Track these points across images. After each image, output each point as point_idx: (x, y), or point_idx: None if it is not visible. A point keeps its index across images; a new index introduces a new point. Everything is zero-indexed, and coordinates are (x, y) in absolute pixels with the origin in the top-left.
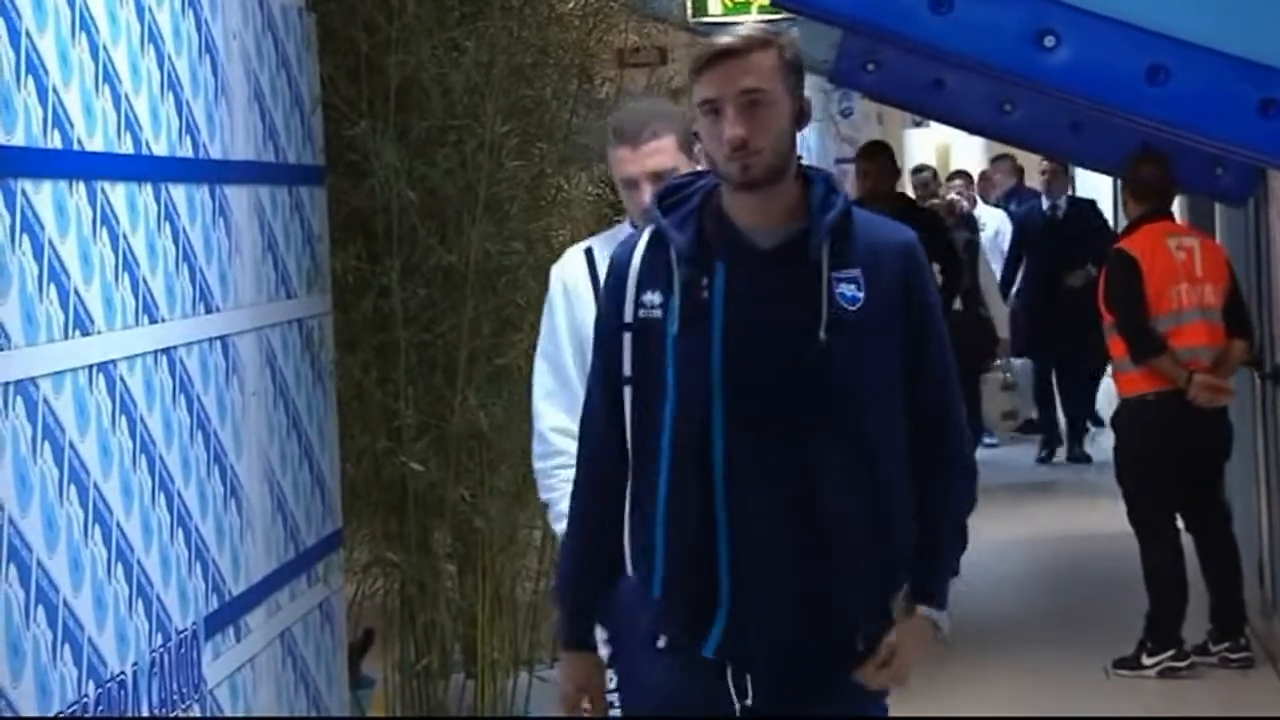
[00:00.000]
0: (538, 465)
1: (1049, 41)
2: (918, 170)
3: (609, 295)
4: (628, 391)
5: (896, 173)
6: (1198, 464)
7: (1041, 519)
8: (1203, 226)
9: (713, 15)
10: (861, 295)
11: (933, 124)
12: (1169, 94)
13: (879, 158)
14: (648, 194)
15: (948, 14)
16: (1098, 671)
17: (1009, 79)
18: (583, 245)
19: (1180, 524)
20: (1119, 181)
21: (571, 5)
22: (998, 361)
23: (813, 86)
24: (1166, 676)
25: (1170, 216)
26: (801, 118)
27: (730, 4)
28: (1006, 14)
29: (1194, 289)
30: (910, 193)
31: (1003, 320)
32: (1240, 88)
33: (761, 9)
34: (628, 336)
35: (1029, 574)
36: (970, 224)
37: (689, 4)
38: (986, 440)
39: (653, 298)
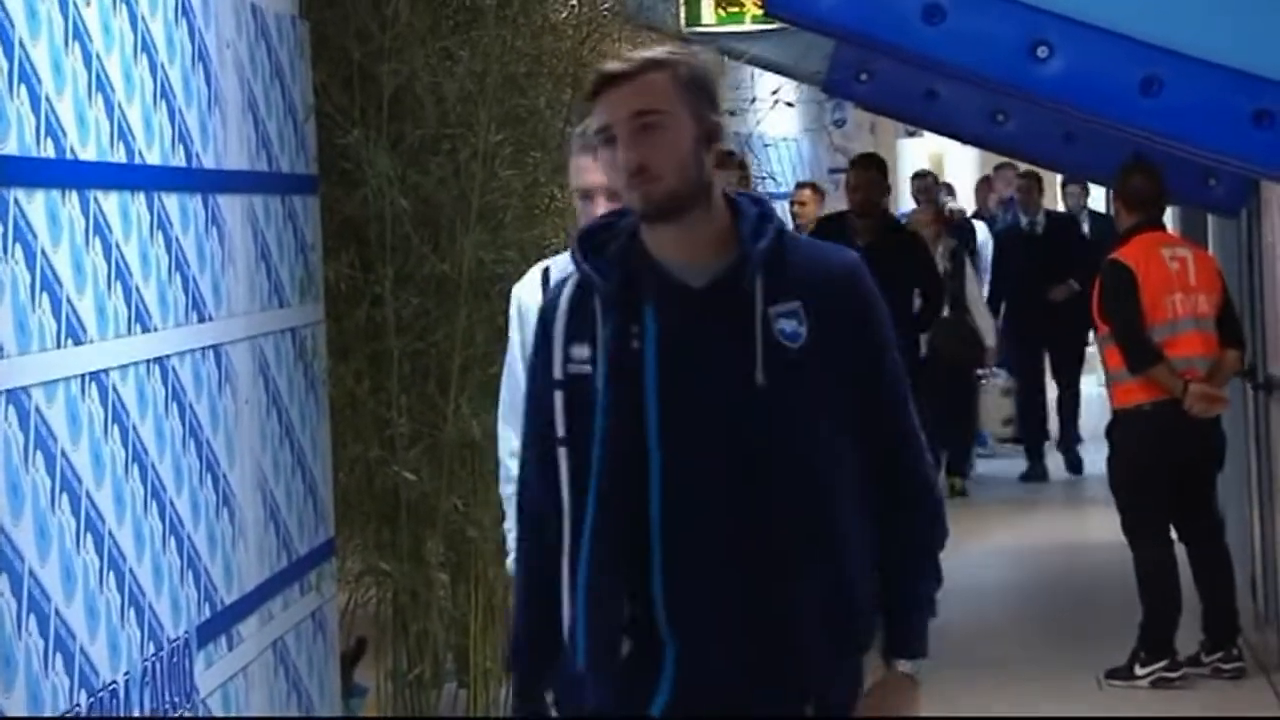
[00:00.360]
0: (501, 491)
1: (1042, 52)
2: (919, 175)
3: (537, 349)
4: (563, 452)
5: (887, 188)
6: (1192, 474)
7: (1034, 528)
8: (1195, 238)
9: (706, 25)
10: (803, 330)
11: (926, 134)
12: (1163, 105)
13: (869, 171)
14: (601, 208)
15: (941, 24)
16: (1090, 681)
17: (1002, 90)
18: (541, 265)
19: (1174, 534)
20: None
21: (565, 14)
22: (981, 370)
23: (807, 97)
24: (1159, 686)
25: (1162, 227)
26: (710, 139)
27: (723, 14)
28: (1000, 25)
29: (1188, 298)
30: (910, 198)
31: (988, 328)
32: (1234, 99)
33: (755, 19)
34: (559, 395)
35: (1022, 583)
36: (959, 232)
37: (682, 14)
38: (981, 451)
39: (581, 351)
